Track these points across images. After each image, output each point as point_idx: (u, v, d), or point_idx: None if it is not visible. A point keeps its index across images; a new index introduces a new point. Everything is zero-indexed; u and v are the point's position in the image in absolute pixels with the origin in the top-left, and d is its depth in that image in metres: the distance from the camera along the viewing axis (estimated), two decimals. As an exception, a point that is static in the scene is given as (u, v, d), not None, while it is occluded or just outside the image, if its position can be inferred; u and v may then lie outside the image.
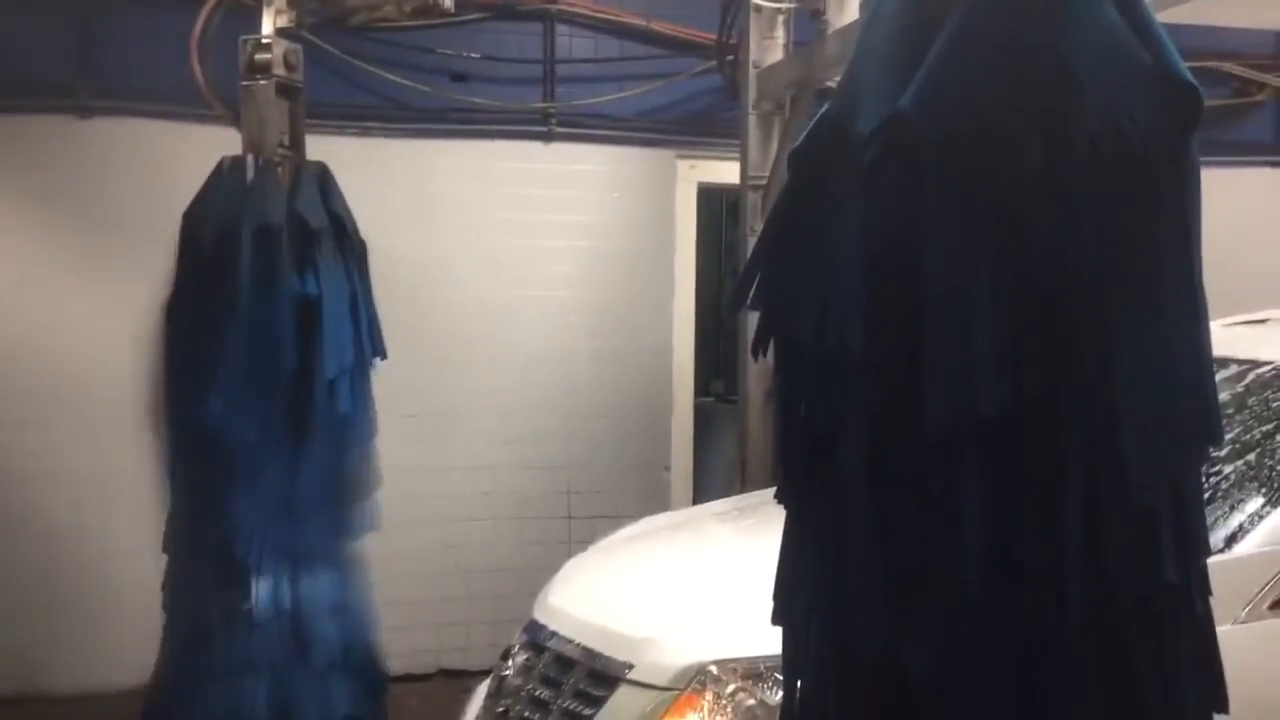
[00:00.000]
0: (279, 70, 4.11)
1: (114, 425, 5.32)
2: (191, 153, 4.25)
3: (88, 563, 5.43)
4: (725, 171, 5.60)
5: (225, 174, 4.05)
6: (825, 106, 1.91)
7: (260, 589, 3.91)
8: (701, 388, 6.55)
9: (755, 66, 5.05)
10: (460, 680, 5.24)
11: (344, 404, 3.98)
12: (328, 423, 3.99)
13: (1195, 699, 1.77)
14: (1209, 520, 2.12)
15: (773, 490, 2.02)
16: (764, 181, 5.00)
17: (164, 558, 4.09)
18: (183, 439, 4.04)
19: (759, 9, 4.94)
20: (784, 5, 4.91)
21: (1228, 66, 6.48)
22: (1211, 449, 1.87)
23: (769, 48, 5.04)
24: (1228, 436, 3.11)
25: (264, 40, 4.13)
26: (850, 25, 4.09)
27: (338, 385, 3.97)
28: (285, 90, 4.18)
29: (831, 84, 3.91)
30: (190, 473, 4.02)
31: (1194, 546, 1.77)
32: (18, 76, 5.28)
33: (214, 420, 3.83)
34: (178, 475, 4.05)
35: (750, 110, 5.08)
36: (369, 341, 4.15)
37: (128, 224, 5.32)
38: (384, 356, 4.24)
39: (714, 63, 5.66)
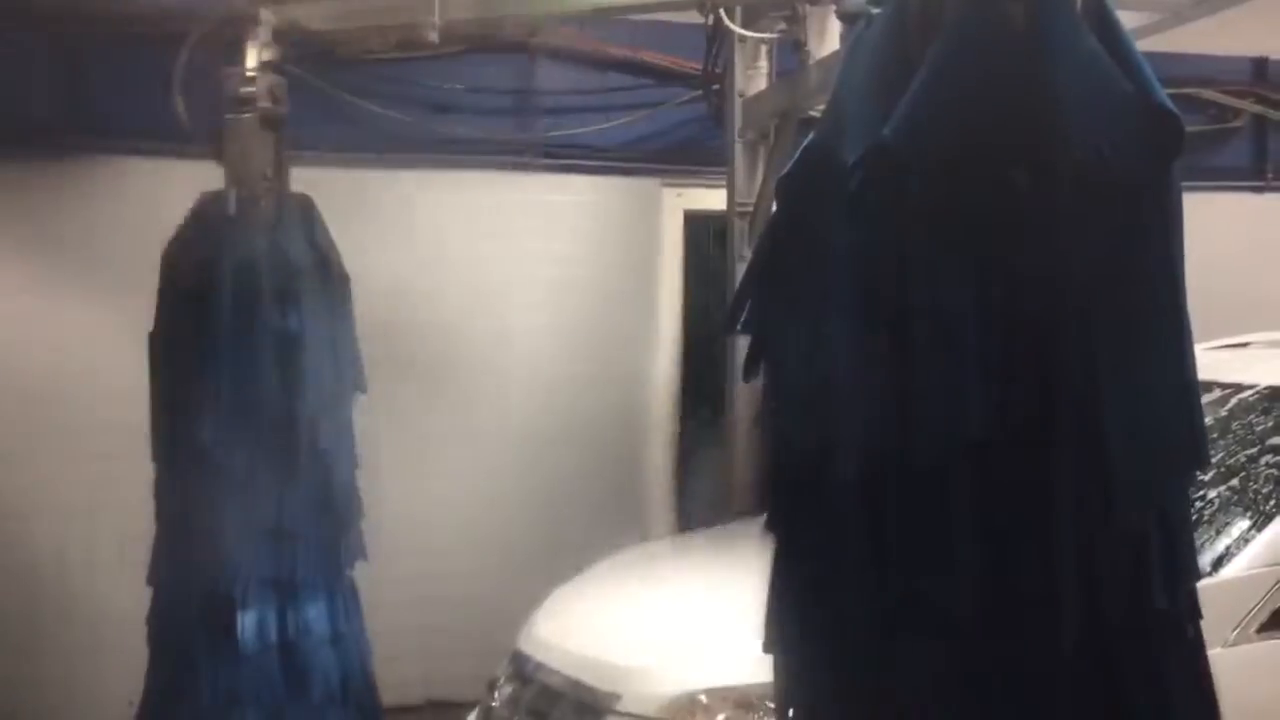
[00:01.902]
0: (263, 103, 4.11)
1: (99, 459, 5.28)
2: (175, 189, 4.24)
3: (73, 597, 5.38)
4: (711, 199, 5.62)
5: (206, 209, 4.03)
6: (811, 136, 1.93)
7: (246, 621, 3.88)
8: (687, 414, 6.55)
9: (740, 96, 5.08)
10: (449, 711, 5.18)
11: (325, 438, 3.97)
12: (310, 456, 3.97)
13: (1187, 723, 1.78)
14: (1196, 544, 2.12)
15: (760, 516, 2.02)
16: (750, 209, 5.02)
17: (149, 591, 4.06)
18: (169, 471, 4.02)
19: (743, 40, 4.97)
20: (767, 36, 4.94)
21: (1205, 93, 6.55)
22: (1198, 472, 1.88)
23: (753, 77, 5.07)
24: (1213, 460, 3.12)
25: (248, 73, 4.13)
26: (832, 55, 4.11)
27: (319, 420, 3.96)
28: (269, 123, 4.17)
29: (815, 113, 3.94)
30: (176, 504, 4.00)
31: (1183, 572, 1.78)
32: (-1, 116, 5.28)
33: (203, 453, 3.81)
34: (164, 506, 4.02)
35: (736, 139, 5.10)
36: (349, 376, 4.14)
37: (111, 261, 5.29)
38: (364, 391, 4.23)
39: (699, 92, 5.69)
